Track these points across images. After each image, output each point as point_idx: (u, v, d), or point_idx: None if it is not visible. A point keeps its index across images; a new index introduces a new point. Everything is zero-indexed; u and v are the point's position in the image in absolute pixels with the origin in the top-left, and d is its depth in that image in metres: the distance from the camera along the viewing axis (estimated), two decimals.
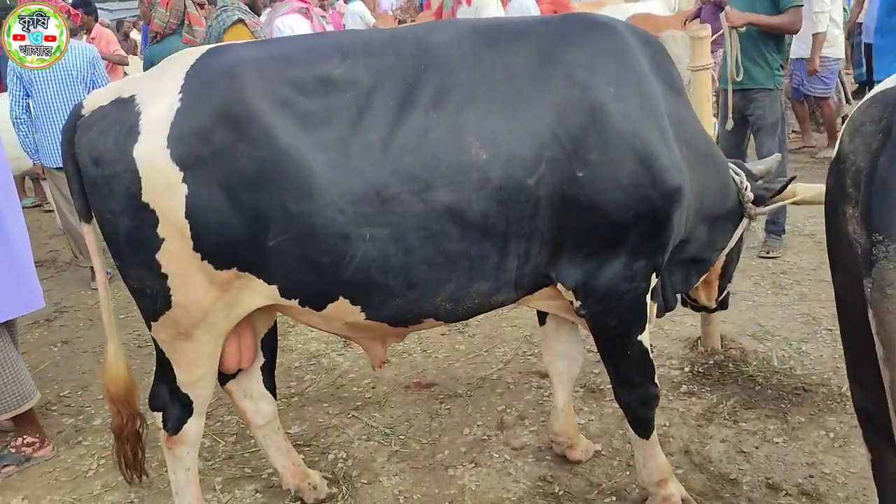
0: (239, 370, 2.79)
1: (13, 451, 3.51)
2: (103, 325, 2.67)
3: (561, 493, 3.02)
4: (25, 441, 3.53)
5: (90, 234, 2.56)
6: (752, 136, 5.32)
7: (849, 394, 3.49)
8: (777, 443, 3.21)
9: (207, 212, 2.21)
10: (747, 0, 5.08)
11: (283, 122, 2.20)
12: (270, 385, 2.93)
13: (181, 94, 2.23)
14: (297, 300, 2.39)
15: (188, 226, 2.23)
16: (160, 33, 5.37)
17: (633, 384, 2.69)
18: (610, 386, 3.65)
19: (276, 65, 2.30)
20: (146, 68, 5.81)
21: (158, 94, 2.26)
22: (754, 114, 5.13)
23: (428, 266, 2.29)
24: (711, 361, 3.82)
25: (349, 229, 2.21)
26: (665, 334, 4.19)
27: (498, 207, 2.25)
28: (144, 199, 2.22)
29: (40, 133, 5.46)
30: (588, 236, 2.38)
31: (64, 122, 2.45)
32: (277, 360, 2.97)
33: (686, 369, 3.83)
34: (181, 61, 2.35)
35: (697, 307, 3.22)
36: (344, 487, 3.13)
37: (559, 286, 2.49)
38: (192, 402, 2.60)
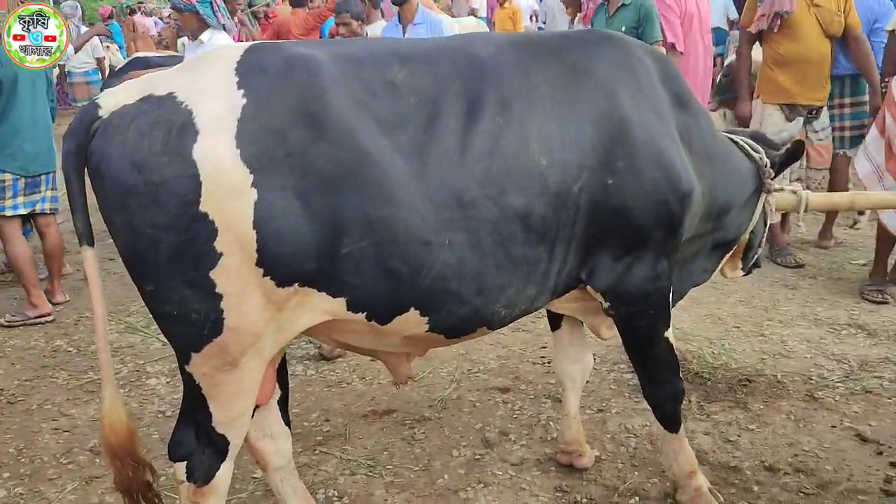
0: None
1: None
2: (100, 366, 2.23)
3: (584, 500, 2.99)
4: None
5: (93, 260, 2.15)
6: None
7: (786, 381, 3.86)
8: (752, 429, 3.44)
9: (278, 220, 1.97)
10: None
11: (364, 124, 2.07)
12: (287, 420, 2.62)
13: (243, 90, 1.99)
14: (365, 314, 2.19)
15: (255, 237, 1.96)
16: None
17: (662, 380, 2.76)
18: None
19: (347, 64, 2.16)
20: None
21: (208, 90, 2.00)
22: None
23: (497, 271, 2.26)
24: None
25: (430, 235, 2.12)
26: (599, 342, 4.30)
27: (553, 212, 2.29)
28: (203, 207, 1.92)
29: None
30: (616, 240, 2.44)
31: (71, 126, 2.07)
32: None
33: None
34: (221, 56, 2.11)
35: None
36: None
37: (589, 288, 2.52)
38: (227, 444, 2.25)
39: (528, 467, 3.21)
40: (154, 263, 1.97)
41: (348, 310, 2.15)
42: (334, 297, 2.12)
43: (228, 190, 1.92)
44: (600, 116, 2.35)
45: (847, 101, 5.81)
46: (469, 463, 3.26)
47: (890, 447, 3.27)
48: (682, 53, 6.05)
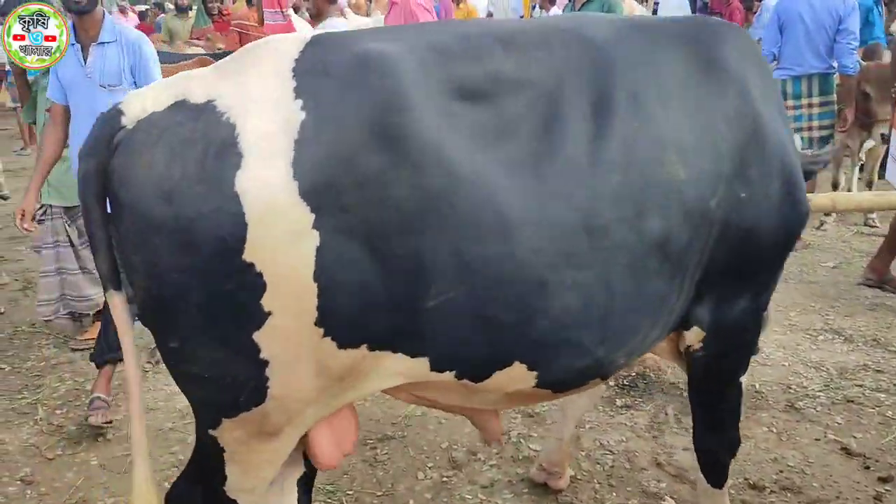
0: None
1: None
2: (131, 440, 1.89)
3: None
4: None
5: (122, 307, 1.77)
6: None
7: (765, 390, 3.71)
8: None
9: (345, 270, 1.60)
10: None
11: (457, 137, 1.67)
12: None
13: (302, 99, 1.60)
14: (454, 372, 1.82)
15: (315, 291, 1.59)
16: None
17: (723, 428, 2.38)
18: (547, 409, 3.53)
19: (433, 58, 1.74)
20: None
21: (257, 99, 1.60)
22: None
23: (627, 313, 1.88)
24: (634, 373, 3.82)
25: (547, 274, 1.73)
26: None
27: (690, 236, 1.90)
28: (248, 256, 1.54)
29: None
30: (730, 267, 2.04)
31: (89, 139, 1.68)
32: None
33: (612, 384, 3.79)
34: (275, 51, 1.69)
35: None
36: None
37: (694, 328, 2.13)
38: None
39: (499, 489, 3.00)
40: (181, 317, 1.61)
41: (432, 370, 1.79)
42: (414, 357, 1.75)
43: (282, 234, 1.54)
44: (732, 115, 1.97)
45: (816, 100, 5.73)
46: (436, 486, 3.03)
47: (877, 461, 3.13)
48: None
